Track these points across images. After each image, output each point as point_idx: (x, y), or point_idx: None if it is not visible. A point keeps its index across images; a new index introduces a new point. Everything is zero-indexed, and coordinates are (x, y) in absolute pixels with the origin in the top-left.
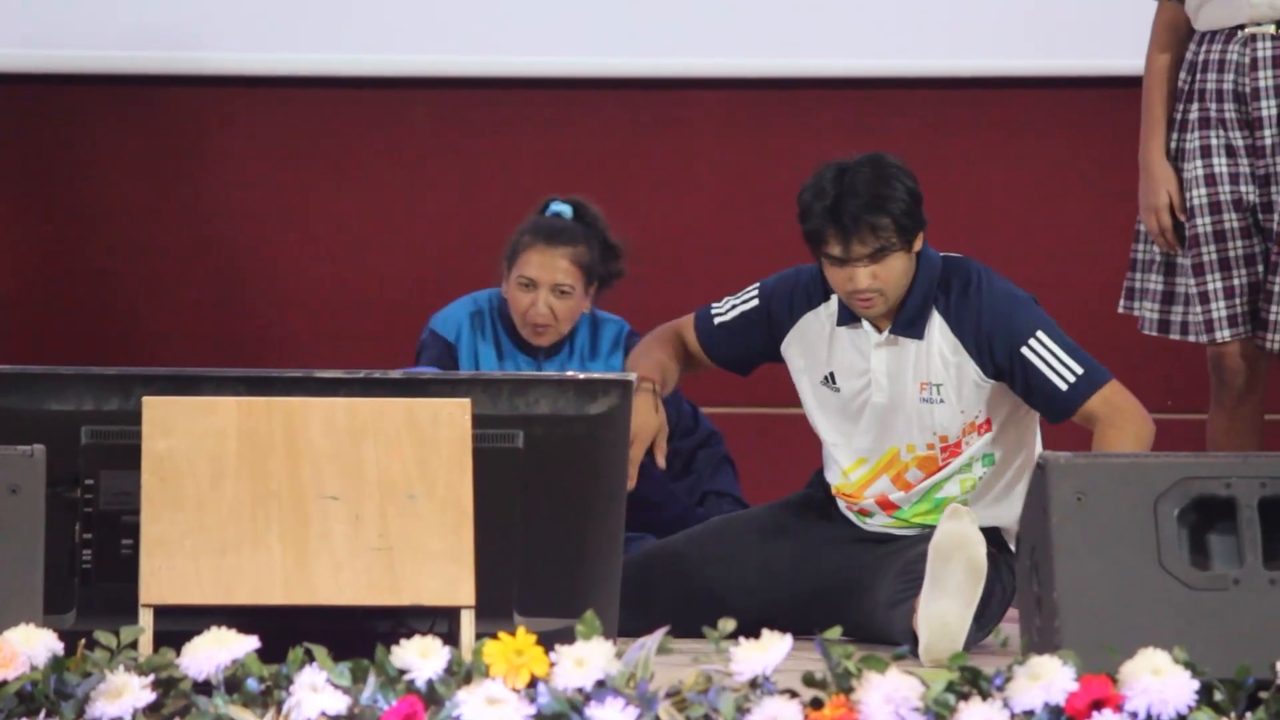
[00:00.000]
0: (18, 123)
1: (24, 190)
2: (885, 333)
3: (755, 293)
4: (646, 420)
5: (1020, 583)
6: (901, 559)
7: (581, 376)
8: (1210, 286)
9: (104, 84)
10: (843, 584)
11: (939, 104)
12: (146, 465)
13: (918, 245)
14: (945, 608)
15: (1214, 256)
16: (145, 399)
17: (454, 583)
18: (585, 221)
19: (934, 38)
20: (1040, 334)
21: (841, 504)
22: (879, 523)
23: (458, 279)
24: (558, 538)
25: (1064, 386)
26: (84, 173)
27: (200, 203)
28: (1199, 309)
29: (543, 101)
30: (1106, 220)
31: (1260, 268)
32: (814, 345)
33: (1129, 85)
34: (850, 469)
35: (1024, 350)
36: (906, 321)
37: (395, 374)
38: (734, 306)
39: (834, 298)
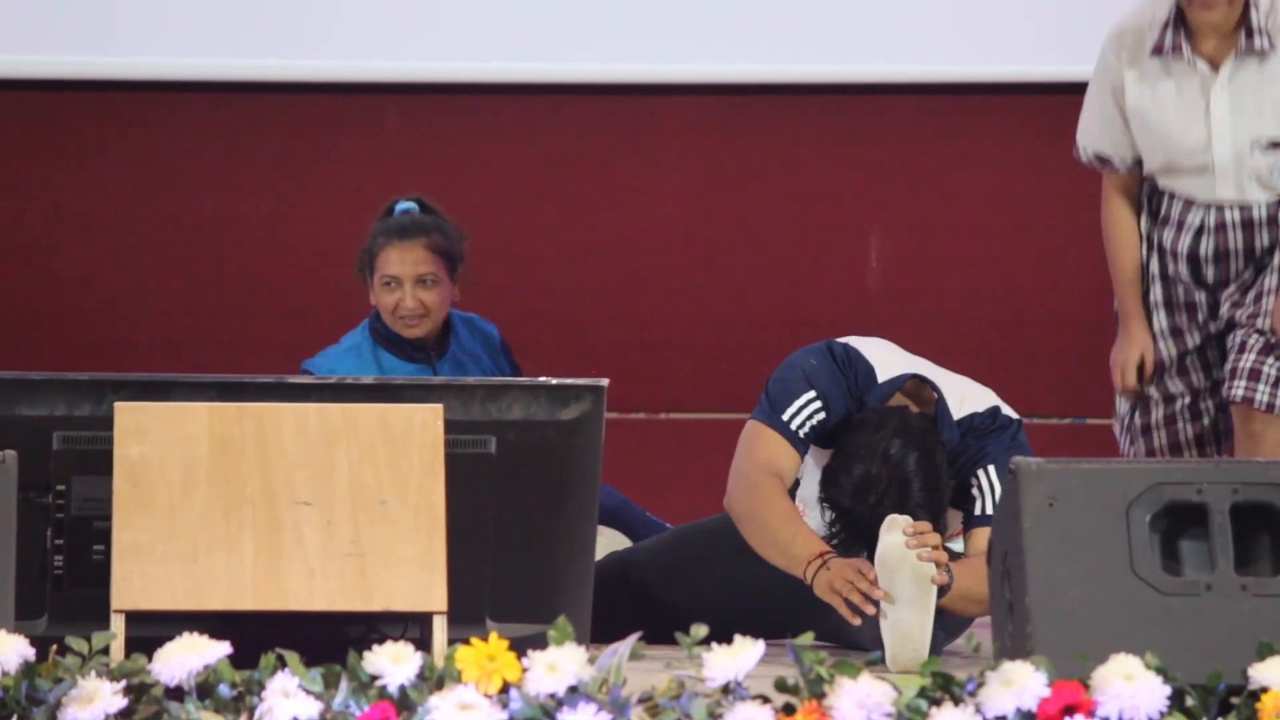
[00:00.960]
0: None
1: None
2: None
3: (816, 401)
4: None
5: (992, 588)
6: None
7: (554, 382)
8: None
9: (72, 90)
10: (809, 594)
11: (914, 110)
12: (118, 471)
13: None
14: (903, 618)
15: (1164, 440)
16: (117, 404)
17: (426, 588)
18: (431, 213)
19: (907, 43)
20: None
21: None
22: None
23: None
24: (530, 543)
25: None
26: (55, 178)
27: (171, 208)
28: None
29: (513, 107)
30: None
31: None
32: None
33: None
34: None
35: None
36: None
37: (368, 379)
38: (805, 415)
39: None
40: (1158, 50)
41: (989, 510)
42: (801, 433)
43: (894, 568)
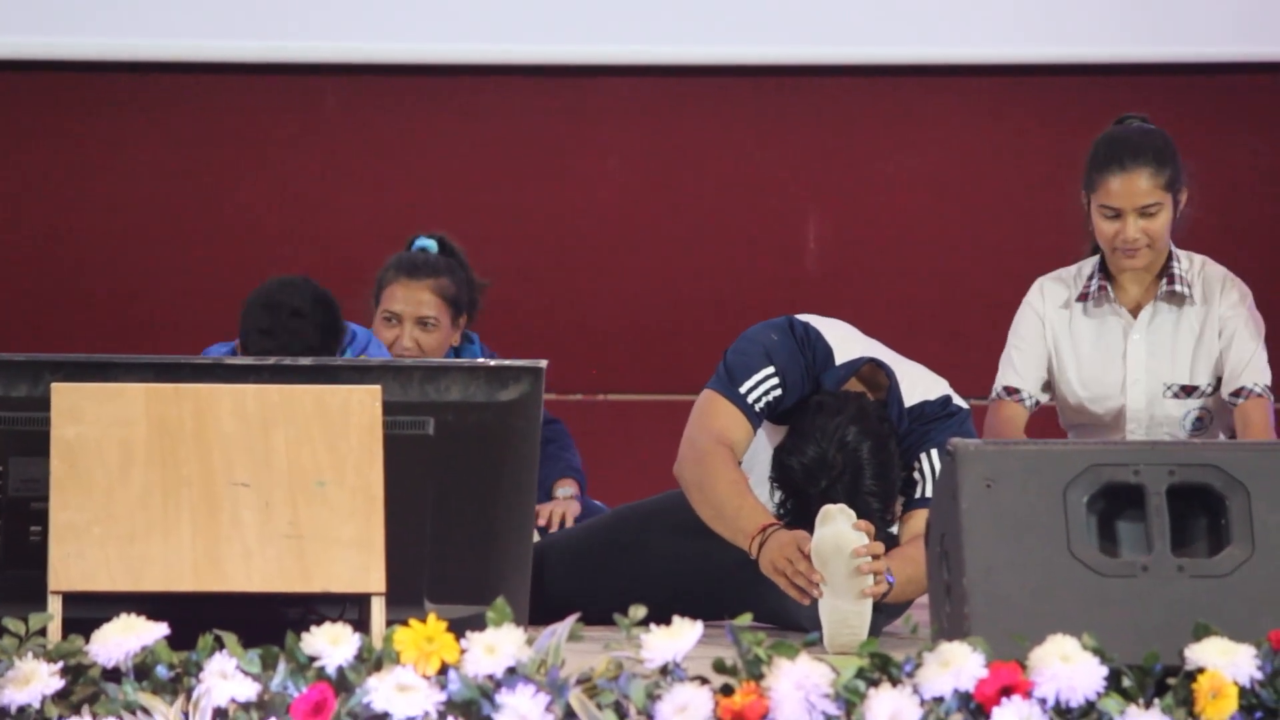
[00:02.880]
0: None
1: None
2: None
3: (774, 378)
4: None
5: (930, 569)
6: None
7: (492, 363)
8: None
9: (17, 70)
10: (751, 572)
11: (852, 92)
12: (55, 452)
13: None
14: (840, 605)
15: None
16: (54, 385)
17: (364, 570)
18: (449, 254)
19: (844, 26)
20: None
21: None
22: None
23: (367, 268)
24: (468, 525)
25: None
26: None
27: (109, 190)
28: None
29: (449, 90)
30: (1028, 208)
31: None
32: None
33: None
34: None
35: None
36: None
37: (305, 361)
38: (762, 390)
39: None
40: (1082, 297)
41: (928, 493)
42: (757, 407)
43: (829, 558)
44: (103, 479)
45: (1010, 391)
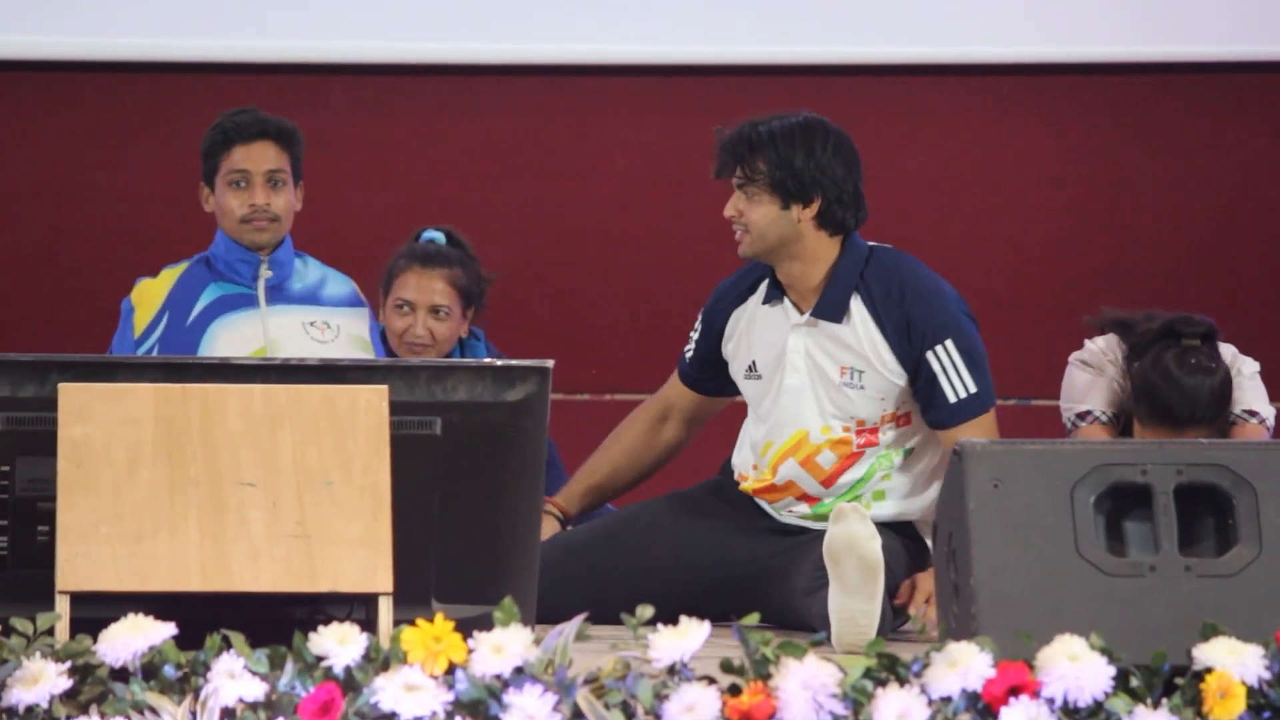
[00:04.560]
0: None
1: None
2: (805, 315)
3: (700, 314)
4: None
5: (937, 569)
6: (816, 549)
7: (499, 363)
8: None
9: (11, 70)
10: (758, 572)
11: (860, 91)
12: (63, 452)
13: (804, 214)
14: (851, 605)
15: None
16: (61, 385)
17: (372, 569)
18: (459, 247)
19: (853, 24)
20: (950, 340)
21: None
22: (797, 513)
23: (375, 267)
24: (476, 524)
25: (952, 399)
26: (8, 158)
27: (110, 189)
28: None
29: (455, 88)
30: (1041, 208)
31: None
32: (743, 336)
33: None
34: (763, 451)
35: (930, 352)
36: (827, 305)
37: (312, 360)
38: (692, 337)
39: (763, 285)
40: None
41: (963, 391)
42: (689, 355)
43: (839, 557)
44: (110, 479)
45: (1082, 417)
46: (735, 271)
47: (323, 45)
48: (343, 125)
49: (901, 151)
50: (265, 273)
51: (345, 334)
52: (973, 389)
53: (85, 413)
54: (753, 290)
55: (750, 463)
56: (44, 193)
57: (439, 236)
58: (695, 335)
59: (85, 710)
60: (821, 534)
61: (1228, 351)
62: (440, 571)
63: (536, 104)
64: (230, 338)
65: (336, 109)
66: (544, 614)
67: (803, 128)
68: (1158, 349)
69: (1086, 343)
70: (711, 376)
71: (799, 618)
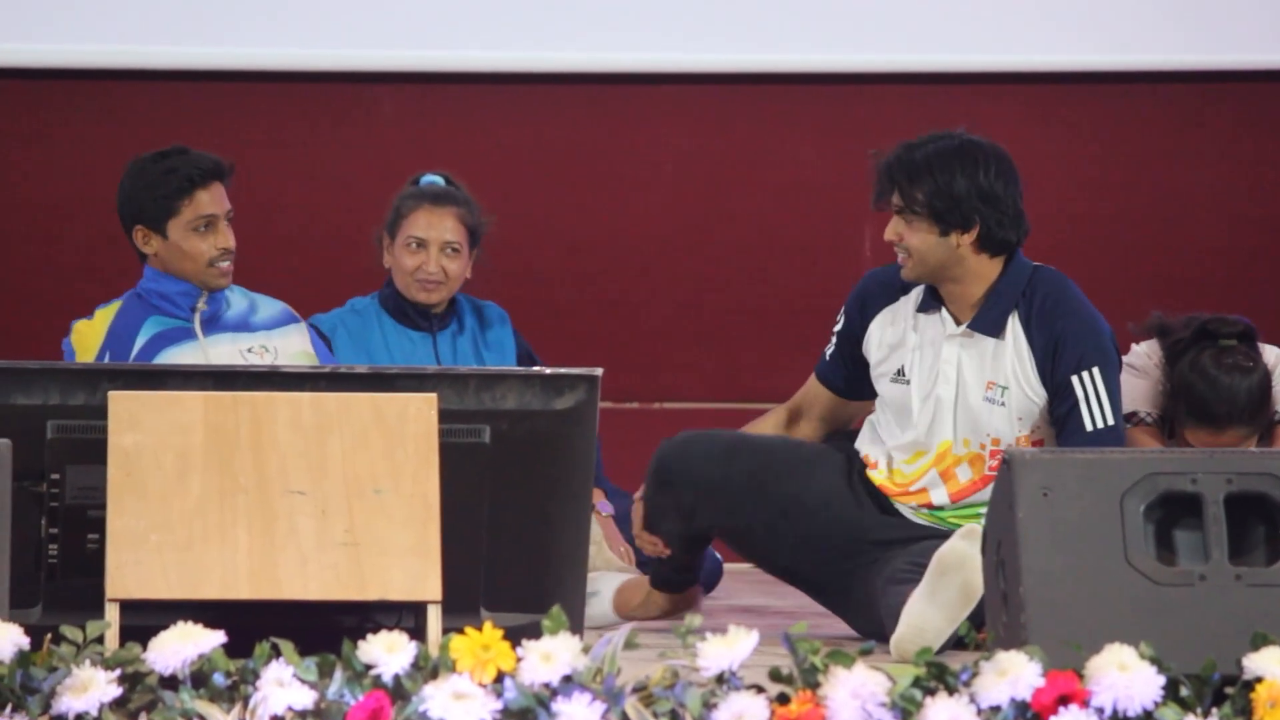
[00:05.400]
0: None
1: None
2: (963, 326)
3: (841, 311)
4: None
5: (988, 578)
6: (918, 543)
7: (548, 371)
8: None
9: (60, 78)
10: (867, 544)
11: (908, 99)
12: (113, 460)
13: (964, 239)
14: (929, 616)
15: None
16: (111, 393)
17: (420, 578)
18: (458, 188)
19: (901, 33)
20: (1097, 369)
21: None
22: (917, 513)
23: None
24: (524, 533)
25: (1089, 428)
26: (44, 168)
27: None
28: None
29: (507, 97)
30: (1091, 215)
31: None
32: (890, 340)
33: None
34: (909, 460)
35: (1076, 376)
36: (986, 320)
37: (361, 369)
38: (833, 336)
39: (918, 290)
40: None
41: (1100, 423)
42: (829, 355)
43: (947, 570)
44: (160, 487)
45: (1129, 418)
46: (873, 271)
47: (372, 54)
48: (390, 133)
49: None
50: (202, 305)
51: (285, 353)
52: (1111, 422)
53: (135, 421)
54: (904, 291)
55: (884, 460)
56: (98, 200)
57: (439, 180)
58: (837, 330)
59: (135, 718)
60: (930, 533)
61: (1271, 353)
62: (489, 580)
63: (586, 111)
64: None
65: (386, 116)
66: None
67: (959, 153)
68: (1195, 350)
69: (1133, 346)
70: (853, 375)
71: (873, 602)
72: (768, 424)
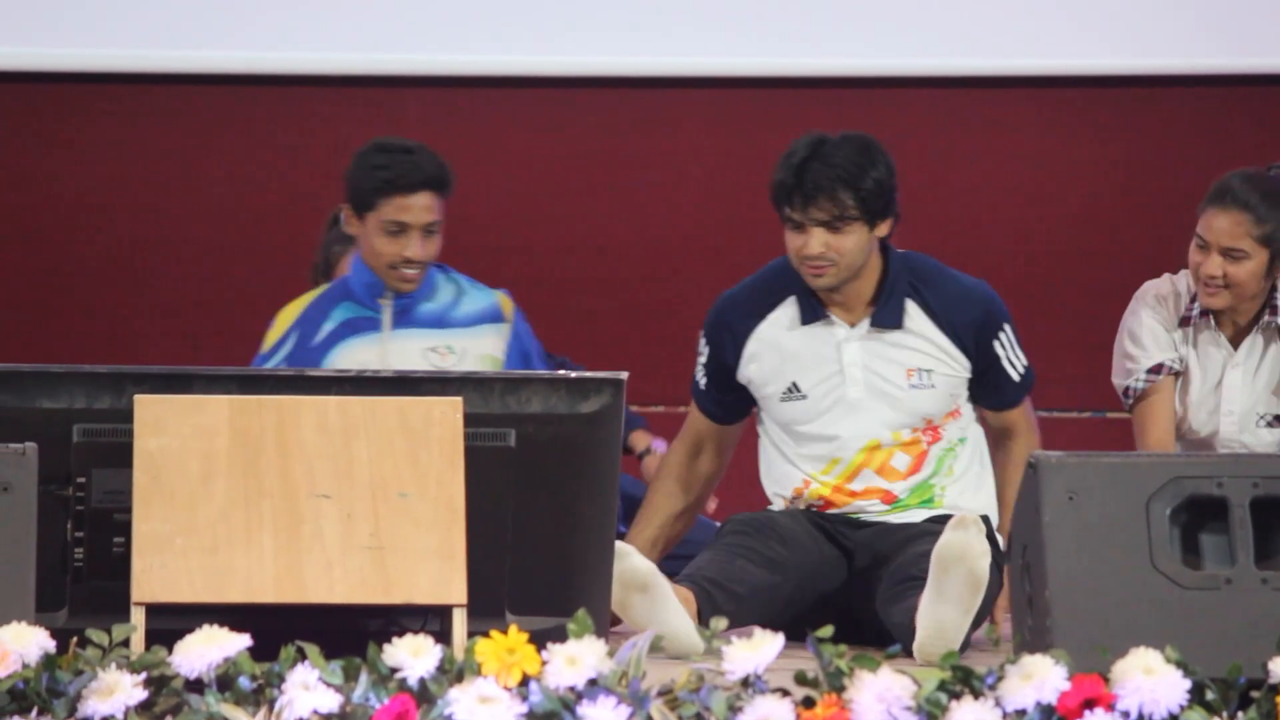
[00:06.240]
0: (3, 122)
1: (13, 189)
2: (859, 326)
3: (703, 339)
4: None
5: (1012, 582)
6: (897, 556)
7: (573, 375)
8: None
9: (95, 82)
10: (844, 581)
11: (932, 103)
12: (138, 463)
13: (883, 230)
14: (943, 614)
15: None
16: (137, 397)
17: (446, 581)
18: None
19: (923, 37)
20: (1006, 324)
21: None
22: (874, 513)
23: None
24: (550, 536)
25: (1015, 378)
26: (76, 172)
27: (192, 202)
28: None
29: (533, 100)
30: (1114, 220)
31: None
32: (772, 358)
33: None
34: (826, 469)
35: (994, 340)
36: (884, 313)
37: (387, 372)
38: (701, 365)
39: (790, 300)
40: (1184, 322)
41: (1021, 369)
42: (702, 384)
43: (949, 565)
44: (185, 490)
45: (1155, 370)
46: (726, 295)
47: (399, 58)
48: (416, 137)
49: (978, 162)
50: (385, 302)
51: (470, 355)
52: (1025, 363)
53: (161, 424)
54: (770, 309)
55: (801, 479)
56: (126, 205)
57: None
58: (703, 361)
59: None
60: (897, 526)
61: None
62: (514, 583)
63: (613, 116)
64: (348, 363)
65: (412, 120)
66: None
67: (869, 146)
68: None
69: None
70: (731, 402)
71: (875, 623)
72: (672, 469)
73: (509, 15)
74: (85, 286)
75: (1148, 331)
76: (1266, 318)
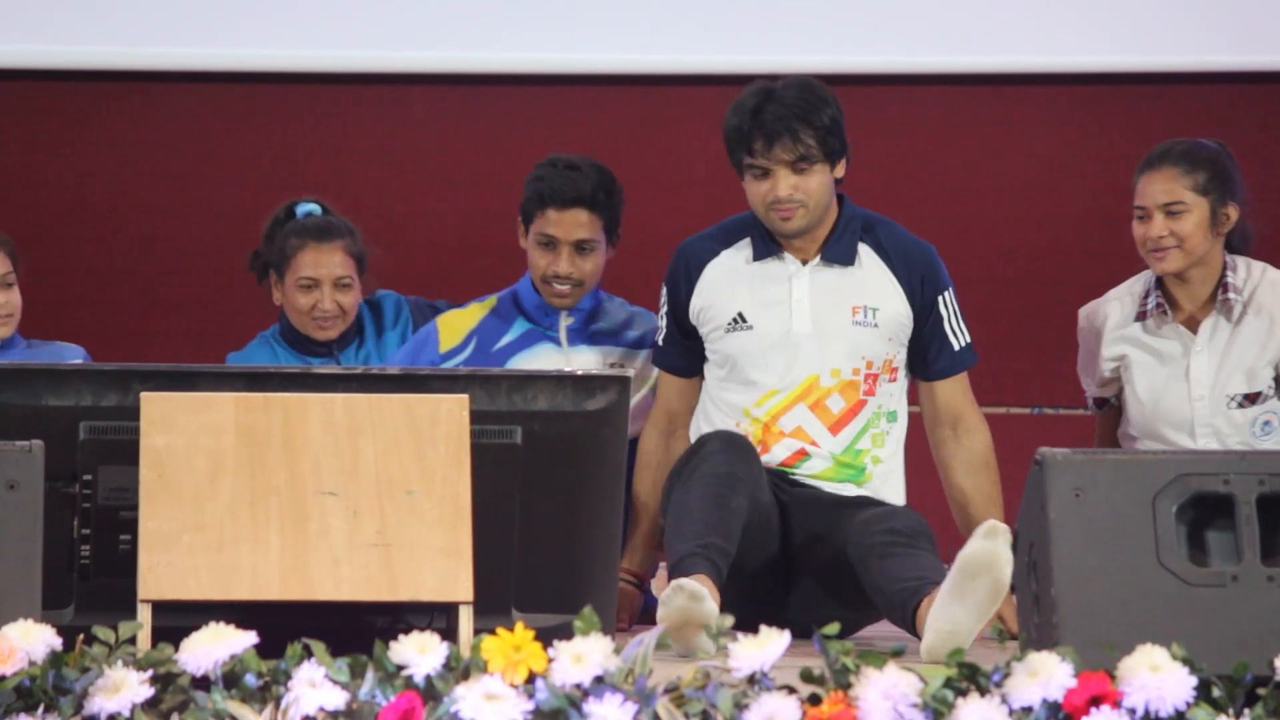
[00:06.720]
0: (11, 119)
1: (23, 187)
2: (810, 262)
3: (663, 290)
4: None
5: (1019, 579)
6: (852, 526)
7: (579, 372)
8: None
9: (102, 80)
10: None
11: (936, 101)
12: (145, 461)
13: (840, 171)
14: (958, 618)
15: None
16: (143, 394)
17: (452, 578)
18: (335, 215)
19: (927, 35)
20: (949, 290)
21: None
22: (805, 473)
23: (453, 276)
24: (556, 534)
25: (956, 346)
26: (82, 169)
27: (198, 199)
28: None
29: (537, 98)
30: (1100, 217)
31: None
32: (719, 292)
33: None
34: (760, 401)
35: (940, 298)
36: (836, 250)
37: (393, 370)
38: (662, 314)
39: (745, 241)
40: (1140, 316)
41: (963, 340)
42: (662, 340)
43: (975, 573)
44: (192, 488)
45: (1100, 403)
46: (684, 243)
47: (405, 55)
48: (422, 134)
49: (987, 159)
50: (566, 319)
51: (639, 378)
52: (968, 339)
53: (167, 422)
54: (725, 248)
55: (733, 420)
56: (132, 202)
57: (316, 209)
58: (665, 311)
59: (167, 719)
60: (829, 499)
61: (1276, 278)
62: (520, 580)
63: (614, 114)
64: (538, 366)
65: (417, 118)
66: None
67: (814, 86)
68: None
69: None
70: (694, 348)
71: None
72: (650, 457)
73: (513, 13)
74: (91, 283)
75: (1080, 366)
76: (1221, 296)
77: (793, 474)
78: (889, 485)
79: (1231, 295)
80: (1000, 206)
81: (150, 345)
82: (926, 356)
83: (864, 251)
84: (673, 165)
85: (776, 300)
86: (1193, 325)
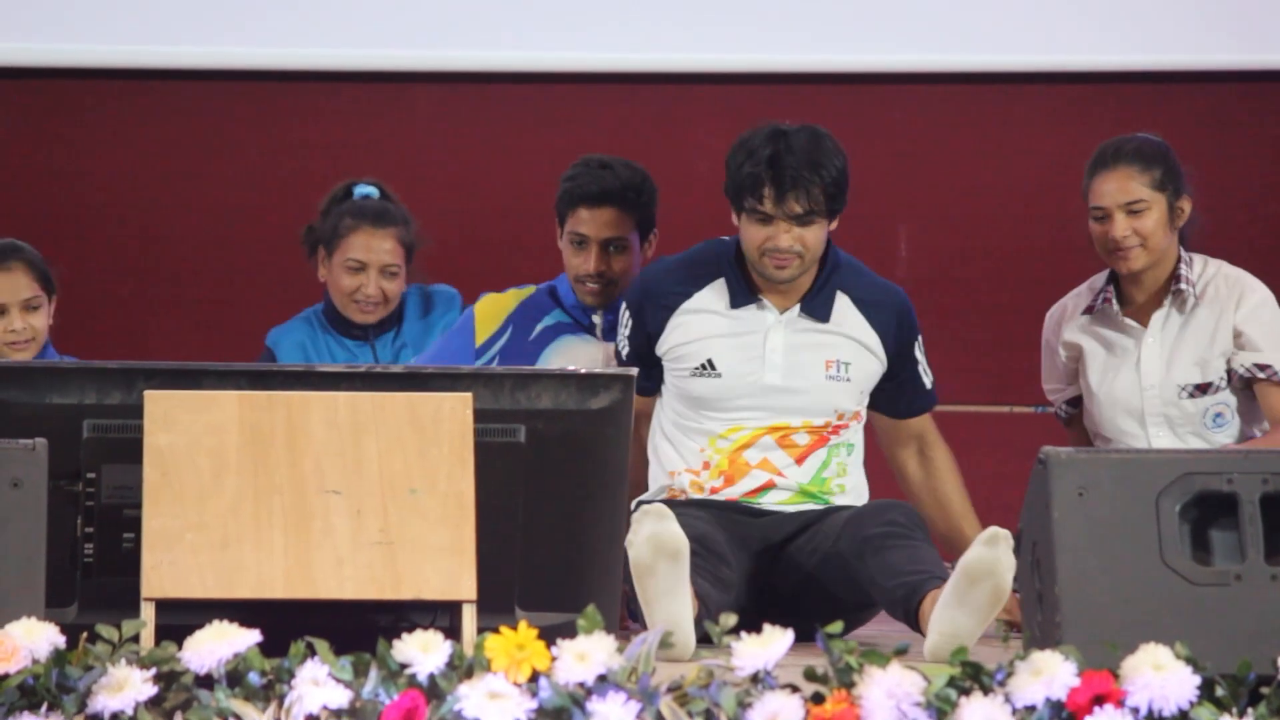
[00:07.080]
0: (16, 118)
1: (23, 186)
2: (788, 313)
3: (625, 312)
4: None
5: (1022, 578)
6: (834, 527)
7: (583, 371)
8: None
9: (107, 78)
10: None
11: (945, 99)
12: (148, 459)
13: (835, 225)
14: (960, 622)
15: None
16: (147, 393)
17: (455, 577)
18: (394, 201)
19: (936, 32)
20: (919, 335)
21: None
22: (770, 501)
23: (456, 273)
24: (559, 532)
25: (928, 386)
26: (85, 167)
27: (201, 197)
28: None
29: (541, 96)
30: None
31: None
32: (687, 335)
33: (1154, 80)
34: (726, 433)
35: (915, 343)
36: (816, 303)
37: (396, 368)
38: (624, 337)
39: (720, 282)
40: (1089, 310)
41: (930, 379)
42: (625, 358)
43: (978, 579)
44: (195, 486)
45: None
46: (651, 268)
47: (409, 53)
48: (427, 133)
49: (994, 159)
50: (601, 316)
51: None
52: (933, 377)
53: (171, 420)
54: (699, 287)
55: (698, 445)
56: (135, 201)
57: (373, 191)
58: (627, 334)
59: (170, 717)
60: (795, 514)
61: (1234, 273)
62: (524, 579)
63: (618, 112)
64: (575, 355)
65: (422, 116)
66: None
67: (828, 139)
68: None
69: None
70: (655, 374)
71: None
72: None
73: (517, 11)
74: (95, 282)
75: (1044, 372)
76: (1174, 287)
77: (757, 504)
78: (854, 498)
79: (1184, 286)
80: (1001, 206)
81: (151, 344)
82: (899, 400)
83: (841, 303)
84: (676, 163)
85: (750, 351)
86: (1144, 317)
